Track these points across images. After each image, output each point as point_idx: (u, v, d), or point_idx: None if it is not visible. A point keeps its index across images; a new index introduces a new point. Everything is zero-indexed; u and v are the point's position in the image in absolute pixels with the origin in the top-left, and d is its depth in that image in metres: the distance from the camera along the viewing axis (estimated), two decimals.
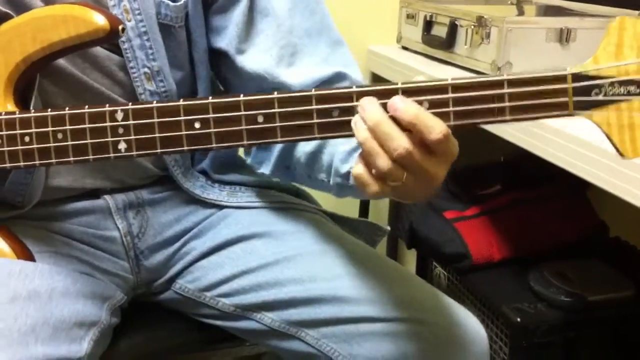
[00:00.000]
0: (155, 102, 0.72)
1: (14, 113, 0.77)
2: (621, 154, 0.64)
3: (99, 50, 0.86)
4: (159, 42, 0.87)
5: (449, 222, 1.47)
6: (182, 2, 0.89)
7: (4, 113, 0.78)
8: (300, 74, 0.91)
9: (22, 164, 0.77)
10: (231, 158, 1.04)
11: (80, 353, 0.80)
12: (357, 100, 0.67)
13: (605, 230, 1.53)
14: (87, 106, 0.74)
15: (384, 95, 0.67)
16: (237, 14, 0.91)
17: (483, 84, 0.65)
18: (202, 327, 0.98)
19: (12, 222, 0.88)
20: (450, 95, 0.66)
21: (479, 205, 1.50)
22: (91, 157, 0.74)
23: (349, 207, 1.80)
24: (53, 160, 0.75)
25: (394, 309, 0.85)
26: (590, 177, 0.95)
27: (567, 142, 0.99)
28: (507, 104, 0.65)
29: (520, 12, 1.52)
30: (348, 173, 0.82)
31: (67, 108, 0.74)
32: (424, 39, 1.52)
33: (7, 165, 0.77)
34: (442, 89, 0.66)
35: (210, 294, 0.94)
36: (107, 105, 0.73)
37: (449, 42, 1.41)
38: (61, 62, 0.84)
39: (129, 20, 0.85)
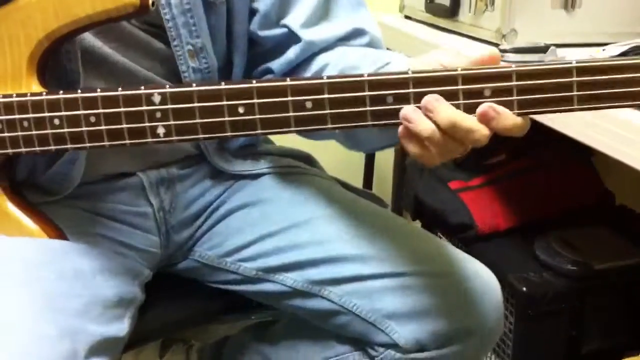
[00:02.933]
0: (193, 85, 0.68)
1: (40, 94, 0.72)
2: None
3: (136, 29, 0.85)
4: (202, 19, 0.86)
5: (454, 193, 1.47)
6: None
7: (29, 94, 0.73)
8: (322, 32, 0.91)
9: (53, 147, 0.73)
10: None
11: (125, 331, 0.82)
12: (413, 86, 0.64)
13: (610, 199, 1.52)
14: (120, 88, 0.69)
15: (442, 82, 0.64)
16: None
17: (549, 71, 0.62)
18: (211, 297, 0.99)
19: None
20: (514, 83, 0.63)
21: (484, 175, 1.49)
22: (128, 141, 0.70)
23: (352, 178, 1.80)
24: (87, 145, 0.72)
25: (411, 263, 0.89)
26: (596, 144, 0.94)
27: None
28: (575, 93, 0.62)
29: None
30: None
31: (98, 90, 0.70)
32: (427, 7, 1.50)
33: (38, 149, 0.73)
34: (505, 76, 0.63)
35: (231, 259, 0.95)
36: (142, 87, 0.69)
37: (452, 10, 1.39)
38: (96, 42, 0.82)
39: None
